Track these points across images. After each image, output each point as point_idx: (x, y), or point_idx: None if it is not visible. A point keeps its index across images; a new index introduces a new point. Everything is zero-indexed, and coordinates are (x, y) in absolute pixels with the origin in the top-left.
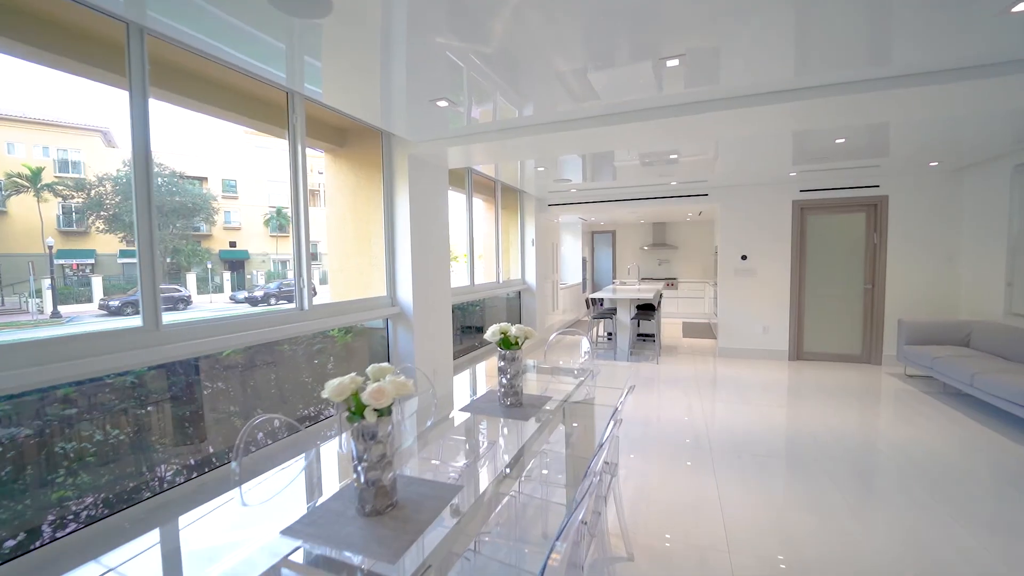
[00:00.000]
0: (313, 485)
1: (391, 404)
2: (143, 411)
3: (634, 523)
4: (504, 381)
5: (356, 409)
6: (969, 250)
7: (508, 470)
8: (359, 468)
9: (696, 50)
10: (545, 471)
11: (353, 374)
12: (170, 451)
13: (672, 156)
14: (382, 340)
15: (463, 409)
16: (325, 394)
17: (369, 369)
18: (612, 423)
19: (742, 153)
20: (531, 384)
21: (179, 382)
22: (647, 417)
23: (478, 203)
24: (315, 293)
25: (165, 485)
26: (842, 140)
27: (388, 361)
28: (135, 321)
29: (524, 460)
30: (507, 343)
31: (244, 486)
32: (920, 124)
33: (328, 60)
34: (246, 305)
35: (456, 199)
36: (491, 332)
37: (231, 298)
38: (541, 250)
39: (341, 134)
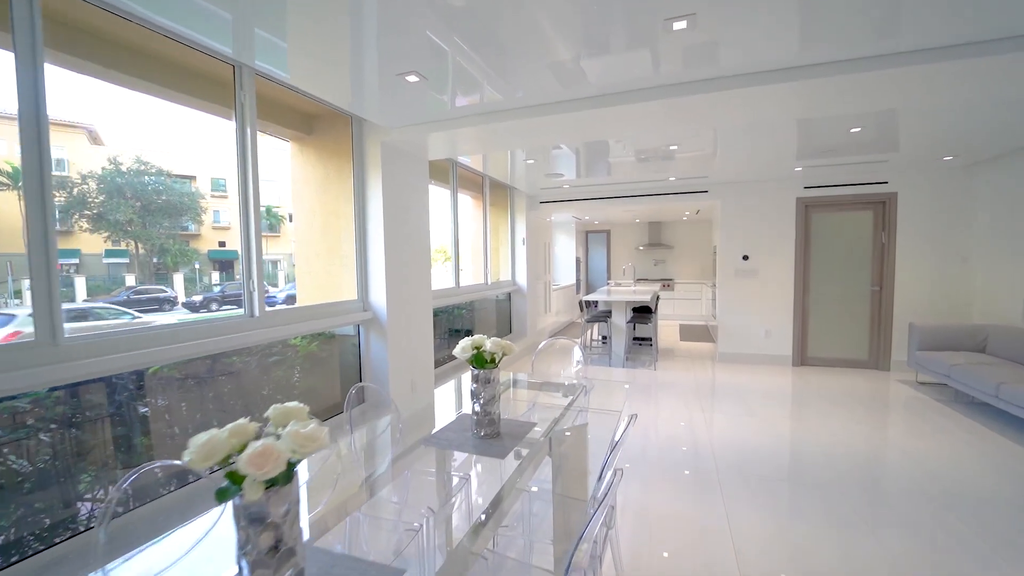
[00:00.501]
0: (208, 557)
1: (294, 466)
2: (44, 440)
3: (634, 568)
4: (477, 408)
5: (235, 479)
6: (983, 250)
7: (483, 516)
8: (242, 563)
9: (700, 16)
10: (530, 502)
11: (243, 420)
12: (78, 490)
13: (672, 147)
14: (353, 348)
15: (426, 442)
16: (187, 456)
17: (271, 412)
18: (611, 478)
19: (744, 146)
20: (517, 401)
21: (100, 402)
22: (646, 431)
23: (465, 199)
24: (279, 297)
25: (66, 532)
26: (858, 129)
27: (360, 372)
28: (30, 333)
29: (501, 508)
30: (480, 361)
31: (122, 558)
32: (933, 115)
33: (277, 24)
34: (184, 312)
35: (441, 195)
36: (461, 348)
37: (183, 304)
38: (533, 250)
39: (308, 120)
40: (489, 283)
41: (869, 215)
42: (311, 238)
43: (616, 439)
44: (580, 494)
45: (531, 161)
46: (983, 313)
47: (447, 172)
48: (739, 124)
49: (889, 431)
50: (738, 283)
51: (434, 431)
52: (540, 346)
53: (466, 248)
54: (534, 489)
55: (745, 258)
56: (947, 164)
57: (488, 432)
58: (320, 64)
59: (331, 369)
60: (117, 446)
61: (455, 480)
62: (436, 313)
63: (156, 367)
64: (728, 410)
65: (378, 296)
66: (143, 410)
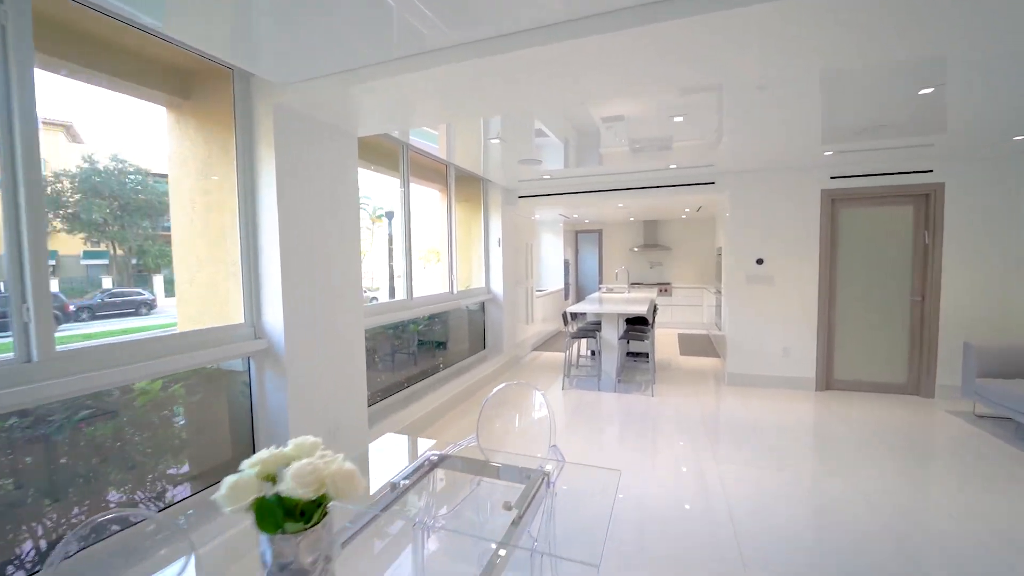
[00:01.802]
0: None
1: None
2: None
3: None
4: None
5: None
6: None
7: None
8: None
9: None
10: None
11: None
12: None
13: (677, 119)
14: (244, 388)
15: None
16: None
17: None
18: None
19: (758, 123)
20: (441, 497)
21: None
22: (641, 500)
23: (432, 194)
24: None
25: None
26: (929, 90)
27: (252, 422)
28: None
29: None
30: (271, 518)
31: None
32: (998, 78)
33: None
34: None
35: (393, 185)
36: (227, 485)
37: None
38: (512, 252)
39: (184, 79)
40: (456, 292)
41: (909, 211)
42: (191, 237)
43: None
44: None
45: (496, 140)
46: None
47: (396, 157)
48: (749, 84)
49: (965, 492)
50: (750, 291)
51: None
52: (494, 391)
53: (432, 249)
54: None
55: (759, 262)
56: (1010, 147)
57: None
58: None
59: (212, 418)
60: None
61: None
62: (398, 327)
63: None
64: (748, 459)
65: (273, 317)
66: None
